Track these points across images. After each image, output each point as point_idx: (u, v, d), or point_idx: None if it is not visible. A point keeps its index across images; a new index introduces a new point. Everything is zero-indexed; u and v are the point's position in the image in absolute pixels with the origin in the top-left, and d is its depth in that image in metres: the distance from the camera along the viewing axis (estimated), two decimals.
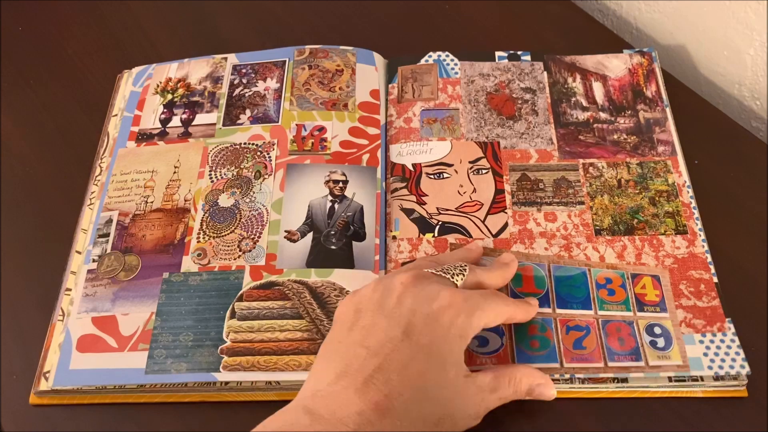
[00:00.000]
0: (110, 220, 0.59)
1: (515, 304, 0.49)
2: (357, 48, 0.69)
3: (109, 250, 0.57)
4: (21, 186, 0.64)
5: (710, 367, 0.50)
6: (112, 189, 0.61)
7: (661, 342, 0.51)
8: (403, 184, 0.61)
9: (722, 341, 0.51)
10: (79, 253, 0.58)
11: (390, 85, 0.67)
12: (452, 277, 0.48)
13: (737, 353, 0.51)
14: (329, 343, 0.46)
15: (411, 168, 0.61)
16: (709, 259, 0.55)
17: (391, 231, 0.58)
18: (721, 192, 0.61)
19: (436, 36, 0.73)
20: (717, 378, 0.50)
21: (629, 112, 0.64)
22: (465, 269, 0.49)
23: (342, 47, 0.69)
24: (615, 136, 0.63)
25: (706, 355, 0.51)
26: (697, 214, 0.58)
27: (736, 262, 0.56)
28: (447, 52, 0.68)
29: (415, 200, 0.60)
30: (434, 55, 0.68)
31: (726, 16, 0.68)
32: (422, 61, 0.68)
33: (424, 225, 0.58)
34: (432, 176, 0.61)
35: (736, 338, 0.51)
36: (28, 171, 0.65)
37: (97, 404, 0.52)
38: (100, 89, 0.70)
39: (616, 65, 0.67)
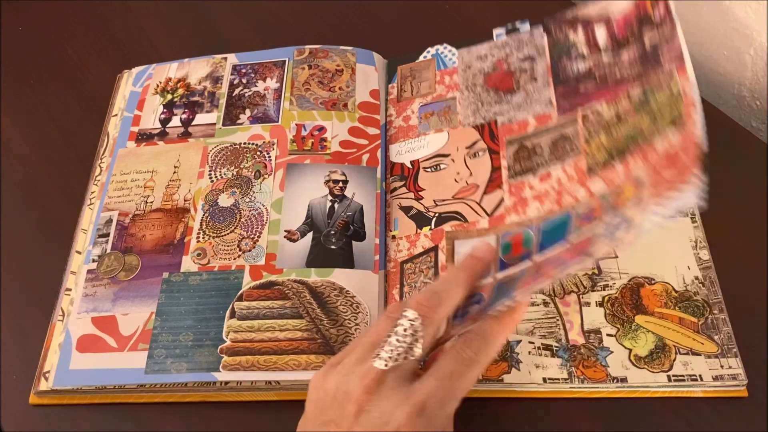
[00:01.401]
0: (110, 220, 0.59)
1: (485, 359, 0.43)
2: (357, 48, 0.69)
3: (109, 250, 0.57)
4: (21, 186, 0.64)
5: None
6: (112, 189, 0.61)
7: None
8: (402, 183, 0.60)
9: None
10: (79, 253, 0.58)
11: (390, 85, 0.67)
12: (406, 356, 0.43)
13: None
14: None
15: (409, 165, 0.61)
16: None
17: (391, 231, 0.58)
18: (721, 192, 0.61)
19: (436, 36, 0.73)
20: (716, 378, 0.50)
21: (634, 43, 0.56)
22: (417, 337, 0.43)
23: (342, 47, 0.69)
24: (618, 73, 0.56)
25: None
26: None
27: (736, 262, 0.56)
28: (445, 44, 0.67)
29: (412, 197, 0.59)
30: (432, 50, 0.68)
31: (726, 16, 0.68)
32: (421, 57, 0.68)
33: (421, 220, 0.58)
34: (429, 170, 0.60)
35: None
36: (28, 171, 0.65)
37: (97, 404, 0.52)
38: (100, 89, 0.70)
39: (624, 5, 0.57)
